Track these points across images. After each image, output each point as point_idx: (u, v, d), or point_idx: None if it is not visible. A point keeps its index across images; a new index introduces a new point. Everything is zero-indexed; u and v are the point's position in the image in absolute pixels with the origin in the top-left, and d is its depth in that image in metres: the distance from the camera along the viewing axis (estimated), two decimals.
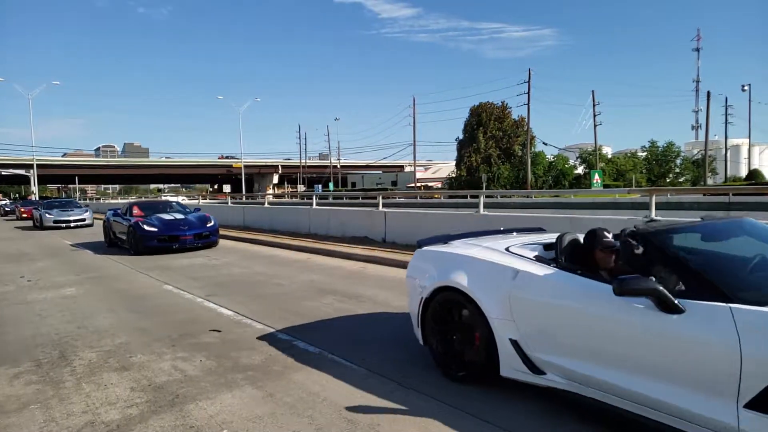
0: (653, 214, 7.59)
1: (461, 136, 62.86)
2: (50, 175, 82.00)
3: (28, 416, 3.80)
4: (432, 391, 3.96)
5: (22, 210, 34.77)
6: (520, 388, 3.80)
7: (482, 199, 11.18)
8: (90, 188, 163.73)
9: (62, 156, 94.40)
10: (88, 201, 59.65)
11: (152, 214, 14.40)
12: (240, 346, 5.27)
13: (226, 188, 71.36)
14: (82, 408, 3.88)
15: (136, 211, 14.77)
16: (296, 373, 4.45)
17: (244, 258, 12.08)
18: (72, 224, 23.52)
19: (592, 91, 51.96)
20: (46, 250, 15.34)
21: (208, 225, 14.13)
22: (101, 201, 62.04)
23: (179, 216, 14.38)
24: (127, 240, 13.78)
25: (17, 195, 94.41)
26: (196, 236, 13.60)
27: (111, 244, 15.11)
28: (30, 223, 27.92)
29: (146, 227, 13.27)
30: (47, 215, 23.35)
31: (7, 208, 48.80)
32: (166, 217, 14.18)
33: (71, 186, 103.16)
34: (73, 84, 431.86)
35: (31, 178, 63.84)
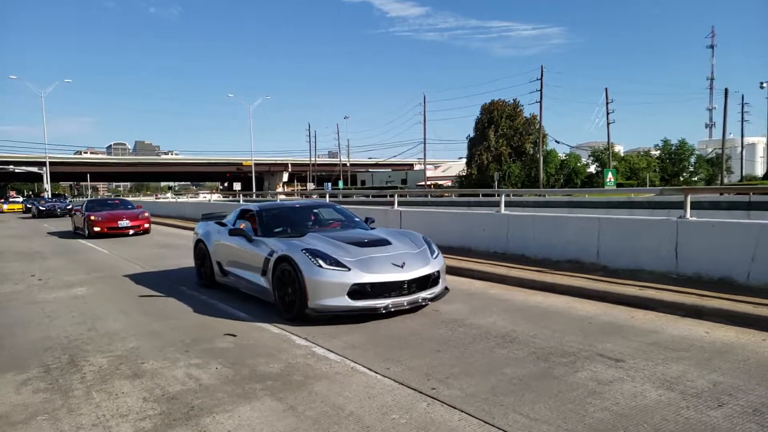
0: (688, 214, 7.15)
1: (472, 134, 62.41)
2: (62, 172, 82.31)
3: (36, 428, 3.58)
4: (464, 404, 3.69)
5: (93, 219, 17.40)
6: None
7: (503, 199, 10.63)
8: (102, 186, 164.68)
9: (74, 154, 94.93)
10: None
11: None
12: (257, 352, 5.01)
13: (237, 186, 71.33)
14: (93, 420, 3.65)
15: None
16: (318, 383, 4.18)
17: None
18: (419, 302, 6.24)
19: (605, 89, 51.33)
20: None
21: None
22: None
23: None
24: None
25: (30, 192, 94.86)
26: None
27: None
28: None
29: None
30: (318, 261, 5.86)
31: (59, 207, 32.43)
32: None
33: (83, 183, 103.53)
34: (85, 82, 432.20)
35: (44, 176, 64.24)
